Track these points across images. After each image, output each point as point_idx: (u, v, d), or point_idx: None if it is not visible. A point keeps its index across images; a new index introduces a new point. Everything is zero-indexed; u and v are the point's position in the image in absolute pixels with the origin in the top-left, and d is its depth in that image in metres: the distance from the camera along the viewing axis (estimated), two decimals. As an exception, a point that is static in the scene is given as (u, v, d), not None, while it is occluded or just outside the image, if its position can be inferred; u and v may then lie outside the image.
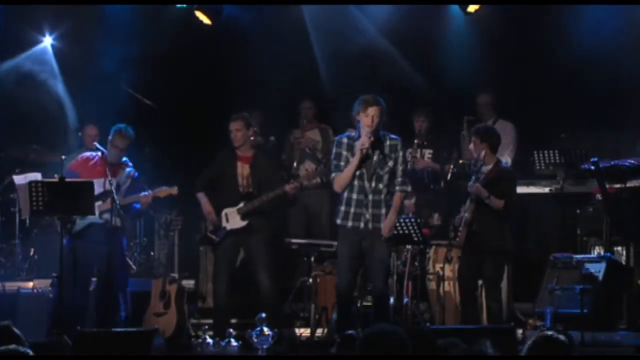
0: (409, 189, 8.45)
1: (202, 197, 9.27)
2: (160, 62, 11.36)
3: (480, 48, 11.07)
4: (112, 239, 8.83)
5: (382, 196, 8.21)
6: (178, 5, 11.33)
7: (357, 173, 8.18)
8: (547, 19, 10.95)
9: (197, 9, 11.17)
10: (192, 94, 11.54)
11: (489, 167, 8.79)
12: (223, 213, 9.16)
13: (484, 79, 10.88)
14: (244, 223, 9.08)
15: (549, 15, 10.93)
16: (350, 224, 8.20)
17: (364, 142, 8.10)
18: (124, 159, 9.20)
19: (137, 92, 11.42)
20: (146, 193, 9.07)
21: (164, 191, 9.13)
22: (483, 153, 8.74)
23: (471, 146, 8.92)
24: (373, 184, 8.19)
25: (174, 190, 9.15)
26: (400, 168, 8.29)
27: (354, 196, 8.20)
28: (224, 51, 11.49)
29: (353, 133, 8.33)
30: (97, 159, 9.08)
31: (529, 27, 11.07)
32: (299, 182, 9.29)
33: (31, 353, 4.70)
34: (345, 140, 8.29)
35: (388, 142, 8.26)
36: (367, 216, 8.18)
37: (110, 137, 9.09)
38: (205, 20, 11.22)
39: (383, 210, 8.20)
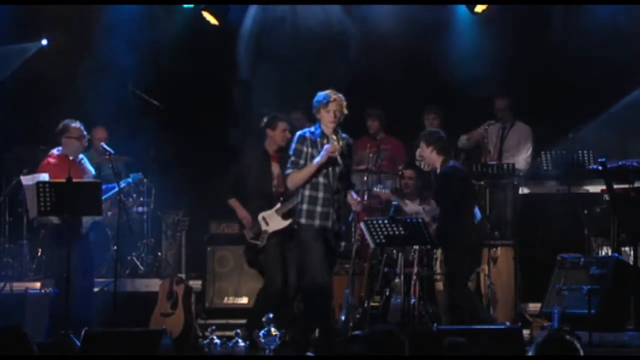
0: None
1: (235, 203, 9.03)
2: (168, 63, 11.37)
3: (489, 49, 11.05)
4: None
5: (342, 196, 8.15)
6: (185, 6, 11.33)
7: (324, 171, 8.01)
8: (554, 18, 10.94)
9: (204, 9, 11.16)
10: (199, 95, 11.54)
11: (438, 170, 8.78)
12: (260, 217, 8.91)
13: (494, 80, 10.86)
14: (287, 222, 8.80)
15: (557, 15, 10.92)
16: (317, 222, 8.03)
17: (335, 148, 7.91)
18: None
19: (143, 93, 11.42)
20: None
21: None
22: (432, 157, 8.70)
23: (418, 151, 8.91)
24: (336, 183, 8.07)
25: None
26: (350, 168, 8.30)
27: (321, 195, 8.03)
28: (231, 51, 11.49)
29: (313, 129, 8.13)
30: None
31: (536, 28, 11.05)
32: None
33: None
34: (307, 136, 8.07)
35: (344, 141, 8.15)
36: (334, 216, 8.08)
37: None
38: (212, 20, 11.22)
39: (341, 210, 8.18)
